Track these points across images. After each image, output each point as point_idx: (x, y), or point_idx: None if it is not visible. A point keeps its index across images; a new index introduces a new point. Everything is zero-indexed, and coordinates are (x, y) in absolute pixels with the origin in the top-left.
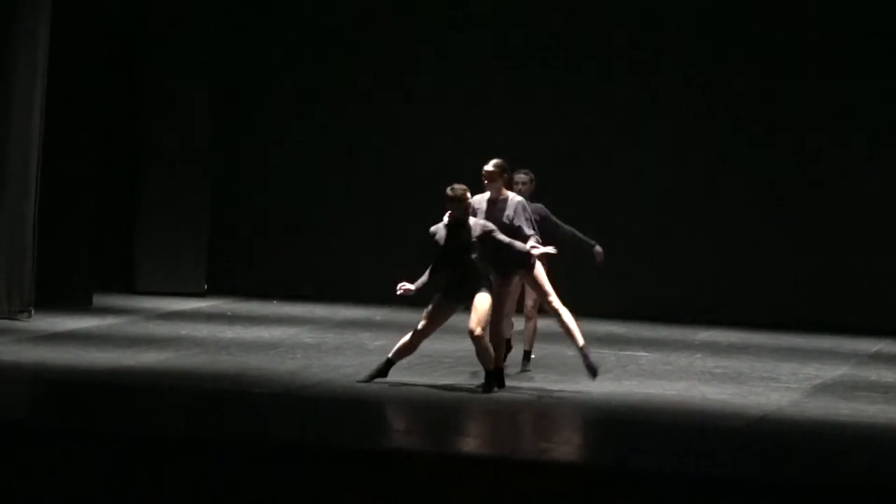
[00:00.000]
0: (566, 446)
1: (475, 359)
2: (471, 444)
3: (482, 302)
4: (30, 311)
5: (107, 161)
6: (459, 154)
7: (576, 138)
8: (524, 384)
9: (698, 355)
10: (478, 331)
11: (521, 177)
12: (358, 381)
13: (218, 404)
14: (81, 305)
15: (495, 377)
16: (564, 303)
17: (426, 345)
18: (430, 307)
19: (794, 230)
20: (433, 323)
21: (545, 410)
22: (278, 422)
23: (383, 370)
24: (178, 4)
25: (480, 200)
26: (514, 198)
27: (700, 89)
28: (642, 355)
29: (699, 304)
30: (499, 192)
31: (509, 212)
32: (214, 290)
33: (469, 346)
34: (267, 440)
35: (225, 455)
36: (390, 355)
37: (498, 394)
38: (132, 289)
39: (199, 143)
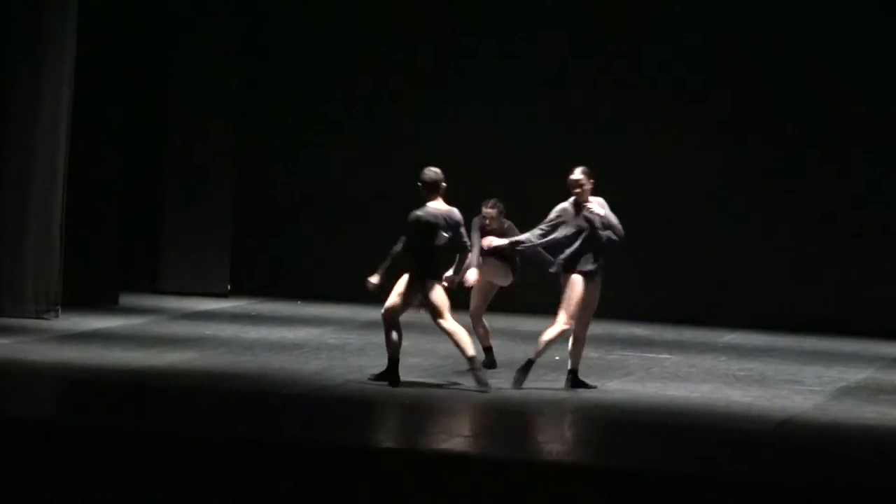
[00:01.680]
0: (588, 449)
1: (498, 360)
2: (492, 445)
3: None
4: (57, 311)
5: (132, 162)
6: (482, 152)
7: (599, 141)
8: (547, 386)
9: (723, 358)
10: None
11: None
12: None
13: (241, 404)
14: (107, 305)
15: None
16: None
17: (446, 347)
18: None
19: (821, 234)
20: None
21: (567, 412)
22: (301, 422)
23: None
24: (203, 5)
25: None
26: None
27: (720, 93)
28: (666, 357)
29: (724, 306)
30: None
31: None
32: (238, 291)
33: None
34: (290, 441)
35: (248, 455)
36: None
37: (521, 395)
38: (157, 289)
39: (223, 145)
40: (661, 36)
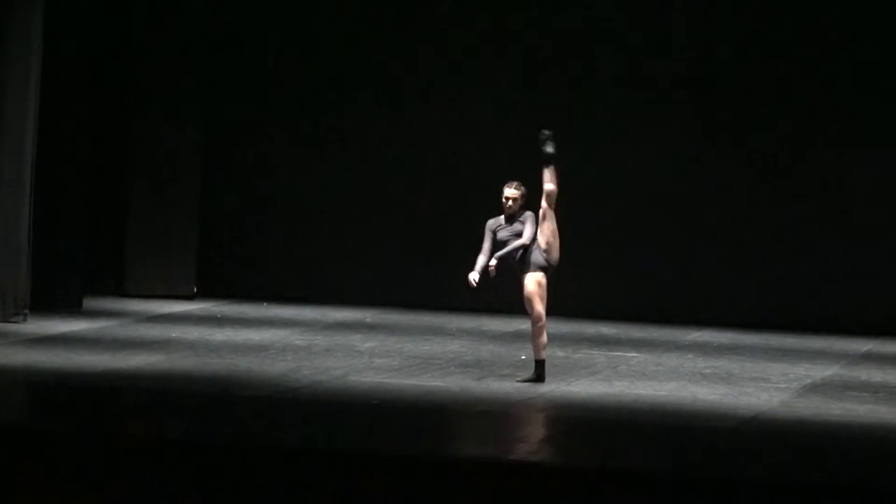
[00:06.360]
0: (555, 448)
1: (465, 360)
2: (460, 446)
3: None
4: (26, 315)
5: (97, 164)
6: (454, 155)
7: (569, 137)
8: (513, 385)
9: (689, 356)
10: None
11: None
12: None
13: (207, 407)
14: (72, 308)
15: None
16: (560, 304)
17: (415, 346)
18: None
19: (786, 231)
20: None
21: (534, 412)
22: (267, 425)
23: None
24: (170, 4)
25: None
26: None
27: (697, 91)
28: (633, 356)
29: (690, 304)
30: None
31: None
32: (204, 293)
33: (458, 347)
34: (256, 443)
35: (214, 458)
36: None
37: (488, 395)
38: (122, 291)
39: (189, 146)
40: (638, 32)
